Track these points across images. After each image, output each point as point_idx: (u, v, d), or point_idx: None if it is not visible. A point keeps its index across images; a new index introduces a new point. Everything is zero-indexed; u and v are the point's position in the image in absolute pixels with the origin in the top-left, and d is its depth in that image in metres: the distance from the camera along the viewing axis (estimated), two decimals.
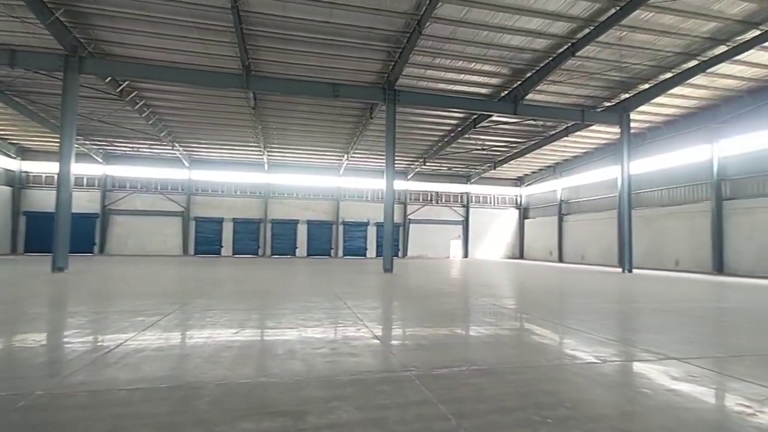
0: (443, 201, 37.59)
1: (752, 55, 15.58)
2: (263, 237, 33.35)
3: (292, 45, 15.57)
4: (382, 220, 18.98)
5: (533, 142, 27.15)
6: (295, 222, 33.93)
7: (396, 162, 19.32)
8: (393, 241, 18.20)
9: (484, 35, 14.96)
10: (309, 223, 34.14)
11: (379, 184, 34.29)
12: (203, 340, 4.92)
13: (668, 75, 17.64)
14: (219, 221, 32.76)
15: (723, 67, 16.59)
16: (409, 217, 36.41)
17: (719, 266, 20.32)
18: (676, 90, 18.58)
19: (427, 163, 32.08)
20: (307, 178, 34.49)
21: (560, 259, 33.00)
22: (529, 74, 17.76)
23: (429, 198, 37.31)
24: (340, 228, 34.74)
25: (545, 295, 10.82)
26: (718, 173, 20.78)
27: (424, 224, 36.77)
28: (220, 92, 19.39)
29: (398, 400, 3.11)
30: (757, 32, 14.17)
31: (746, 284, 14.82)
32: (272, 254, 33.26)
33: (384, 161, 18.69)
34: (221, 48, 15.67)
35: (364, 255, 35.00)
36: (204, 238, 32.42)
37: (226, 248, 32.71)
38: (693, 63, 16.48)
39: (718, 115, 20.54)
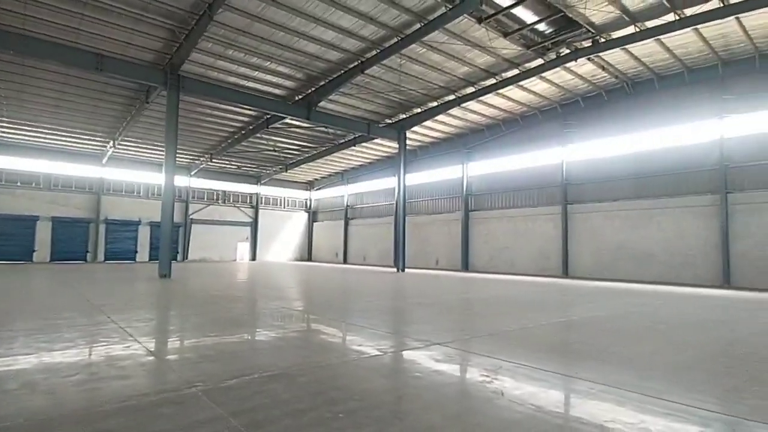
0: (231, 201, 35.66)
1: (490, 98, 20.09)
2: None
3: None
4: (158, 220, 16.69)
5: (324, 148, 28.47)
6: (34, 219, 26.66)
7: (178, 156, 17.35)
8: (172, 243, 16.23)
9: (280, 36, 14.88)
10: (55, 220, 27.31)
11: (155, 178, 30.16)
12: None
13: (435, 104, 21.10)
14: None
15: (471, 105, 20.85)
16: (191, 216, 33.16)
17: (466, 265, 25.31)
18: (440, 117, 22.41)
19: (214, 160, 29.88)
20: (53, 165, 27.48)
21: (345, 261, 35.44)
22: (323, 83, 18.53)
23: (215, 197, 34.82)
24: (102, 227, 29.00)
25: (332, 295, 11.38)
26: (466, 189, 25.91)
27: (208, 225, 34.09)
28: None
29: (183, 422, 2.72)
30: (494, 80, 18.34)
31: (483, 279, 18.87)
32: None
33: (163, 153, 16.51)
34: None
35: (134, 259, 30.15)
36: None
37: None
38: (452, 97, 20.15)
39: (467, 142, 25.68)
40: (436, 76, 18.22)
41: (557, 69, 16.97)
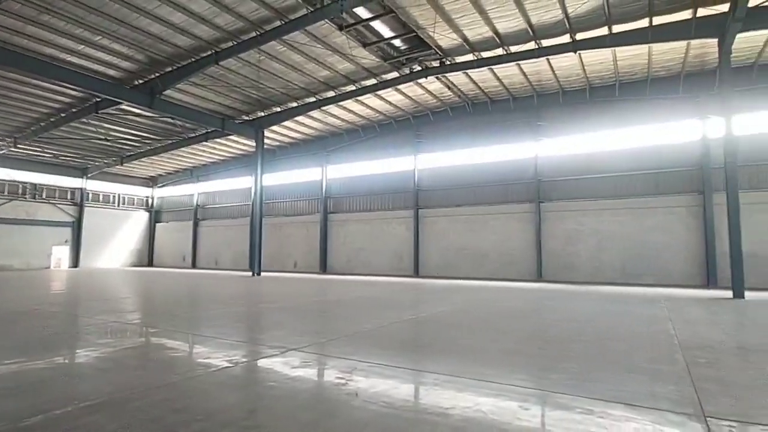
0: (44, 196, 29.55)
1: (350, 104, 20.59)
2: None
3: None
4: None
5: (171, 141, 25.67)
6: None
7: None
8: None
9: (115, 9, 12.91)
10: None
11: None
12: None
13: (295, 104, 20.75)
14: None
15: (332, 109, 21.10)
16: None
17: (324, 267, 25.40)
18: (300, 118, 22.13)
19: (20, 145, 24.44)
20: None
21: (194, 265, 32.45)
22: (169, 69, 16.68)
23: (20, 191, 28.40)
24: None
25: (177, 303, 10.25)
26: (326, 191, 26.06)
27: (9, 225, 27.66)
28: None
29: None
30: (354, 87, 18.85)
31: (341, 280, 19.15)
32: None
33: None
34: None
35: None
36: None
37: None
38: (312, 99, 20.09)
39: (327, 145, 25.89)
40: (297, 77, 17.96)
41: (410, 83, 18.27)
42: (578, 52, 14.80)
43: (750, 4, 11.04)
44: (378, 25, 14.37)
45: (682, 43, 14.70)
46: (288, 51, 15.78)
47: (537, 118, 19.95)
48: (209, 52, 15.54)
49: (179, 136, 24.80)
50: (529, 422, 2.92)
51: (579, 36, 14.44)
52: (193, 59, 15.97)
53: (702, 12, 12.73)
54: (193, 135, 24.60)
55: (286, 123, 22.60)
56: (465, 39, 15.06)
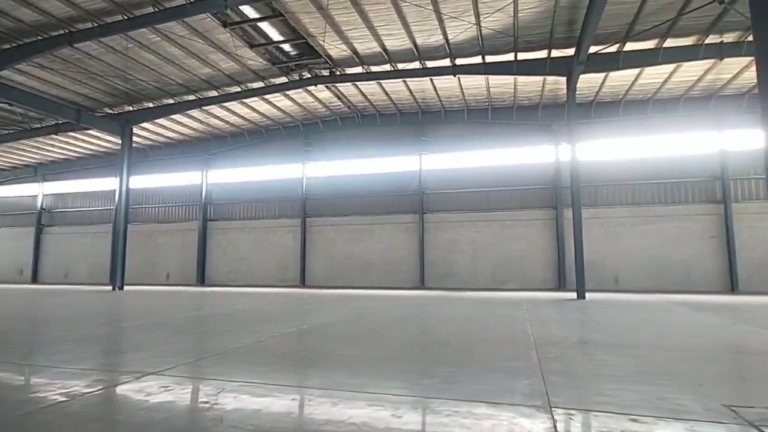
0: None
1: (235, 106, 19.49)
2: None
3: None
4: None
5: (6, 132, 21.53)
6: None
7: None
8: None
9: None
10: None
11: None
12: None
13: (171, 101, 18.97)
14: None
15: (214, 109, 19.74)
16: None
17: (202, 279, 23.46)
18: (178, 117, 20.29)
19: None
20: None
21: (35, 280, 27.48)
22: (7, 46, 14.03)
23: None
24: None
25: (6, 327, 8.49)
26: (206, 197, 24.21)
27: None
28: None
29: None
30: (239, 89, 17.90)
31: (221, 292, 17.83)
32: None
33: None
34: None
35: None
36: None
37: None
38: (192, 97, 18.57)
39: (209, 148, 24.14)
40: (174, 71, 16.47)
41: (300, 90, 17.99)
42: (457, 75, 16.07)
43: (590, 51, 13.15)
44: (266, 27, 13.90)
45: (540, 78, 16.92)
46: (163, 42, 14.40)
47: (421, 134, 21.13)
48: (62, 32, 13.43)
49: (18, 125, 20.93)
50: (400, 429, 2.94)
51: (458, 61, 15.70)
52: (39, 38, 13.65)
53: (555, 53, 14.83)
54: (39, 126, 20.98)
55: (161, 121, 20.58)
56: (355, 51, 15.34)
